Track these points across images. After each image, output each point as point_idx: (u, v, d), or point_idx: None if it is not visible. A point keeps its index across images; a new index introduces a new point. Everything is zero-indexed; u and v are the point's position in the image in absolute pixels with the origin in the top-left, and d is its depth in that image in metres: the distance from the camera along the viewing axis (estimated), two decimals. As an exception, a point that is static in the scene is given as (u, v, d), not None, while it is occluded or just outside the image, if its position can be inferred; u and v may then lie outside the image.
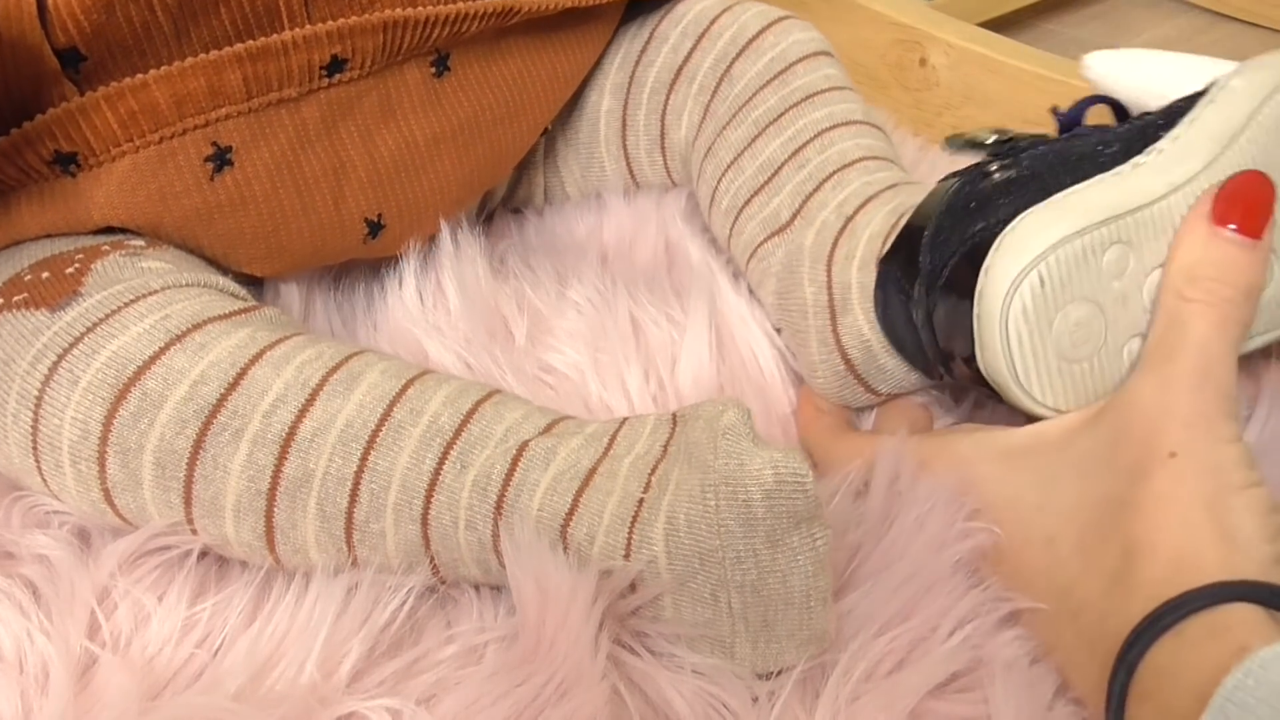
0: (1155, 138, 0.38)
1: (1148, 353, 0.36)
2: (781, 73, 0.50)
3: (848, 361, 0.44)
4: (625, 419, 0.38)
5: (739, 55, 0.52)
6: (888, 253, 0.42)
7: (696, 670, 0.34)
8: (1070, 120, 0.43)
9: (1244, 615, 0.30)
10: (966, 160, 0.43)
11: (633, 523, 0.34)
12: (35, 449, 0.36)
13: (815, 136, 0.48)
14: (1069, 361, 0.37)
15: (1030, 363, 0.36)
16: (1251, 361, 0.43)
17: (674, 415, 0.38)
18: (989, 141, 0.42)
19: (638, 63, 0.55)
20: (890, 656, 0.35)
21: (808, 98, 0.49)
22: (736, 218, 0.49)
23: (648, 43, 0.55)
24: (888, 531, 0.38)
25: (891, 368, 0.44)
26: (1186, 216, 0.37)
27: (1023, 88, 0.68)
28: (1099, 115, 0.48)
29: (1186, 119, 0.38)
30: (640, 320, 0.48)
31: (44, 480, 0.37)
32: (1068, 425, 0.36)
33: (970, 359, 0.38)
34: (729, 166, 0.50)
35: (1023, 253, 0.36)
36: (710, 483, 0.33)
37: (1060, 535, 0.34)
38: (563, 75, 0.52)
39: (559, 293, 0.50)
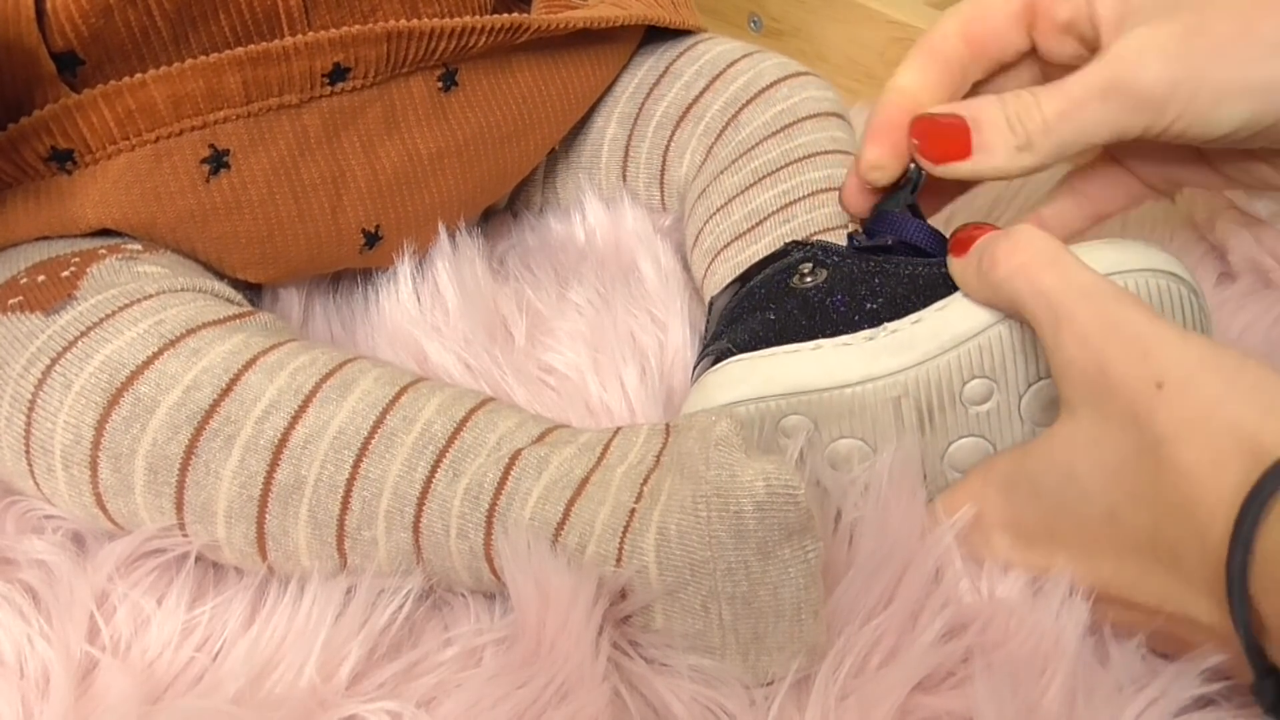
0: (909, 307, 0.39)
1: (1045, 342, 0.35)
2: (788, 126, 0.50)
3: None
4: (619, 428, 0.38)
5: (749, 102, 0.51)
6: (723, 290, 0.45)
7: (694, 674, 0.34)
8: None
9: None
10: None
11: (624, 533, 0.34)
12: (28, 453, 0.36)
13: (809, 195, 0.47)
14: None
15: None
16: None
17: (667, 425, 0.38)
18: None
19: (648, 95, 0.54)
20: (878, 647, 0.35)
21: (809, 156, 0.49)
22: (713, 260, 0.48)
23: (661, 76, 0.54)
24: (852, 525, 0.38)
25: None
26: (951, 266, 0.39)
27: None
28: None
29: (936, 305, 0.39)
30: (639, 322, 0.48)
31: (37, 484, 0.37)
32: (1055, 434, 0.36)
33: None
34: (718, 210, 0.49)
35: (705, 399, 0.41)
36: (702, 494, 0.33)
37: (1117, 506, 0.33)
38: (574, 96, 0.52)
39: (559, 294, 0.50)
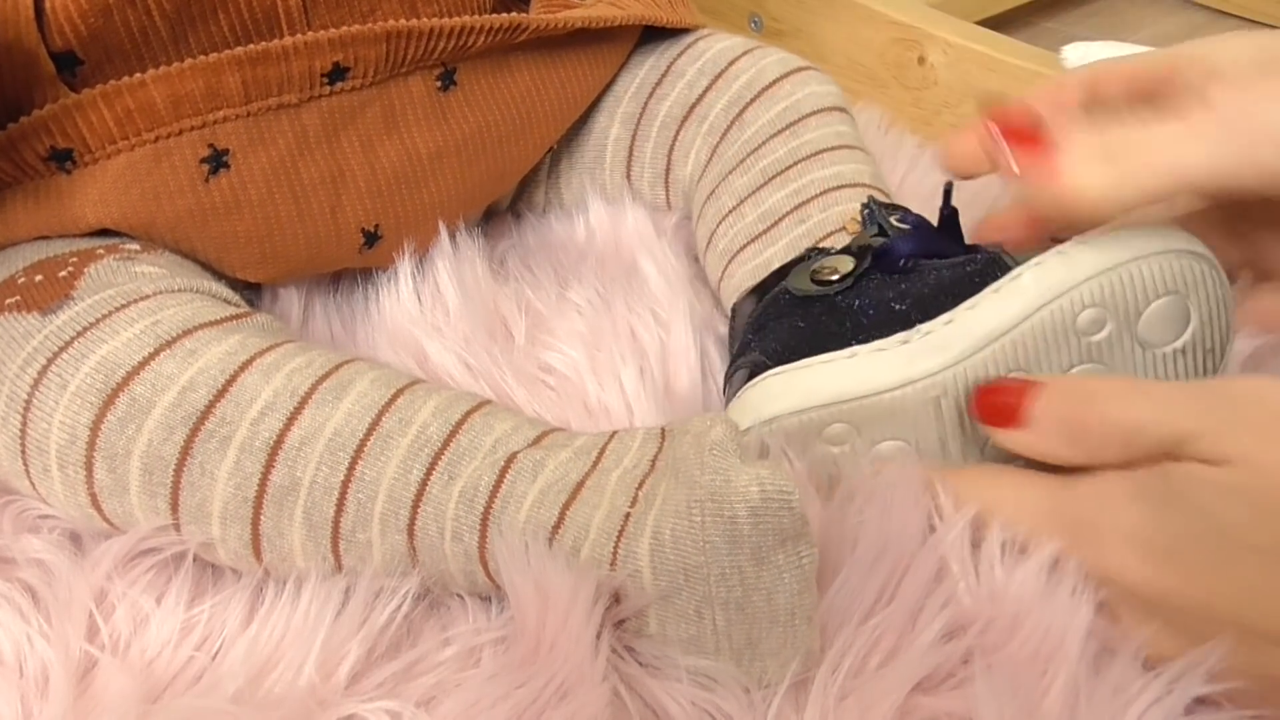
0: (938, 308, 0.39)
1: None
2: (794, 124, 0.50)
3: None
4: (614, 432, 0.38)
5: (753, 101, 0.51)
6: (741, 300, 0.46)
7: (690, 676, 0.34)
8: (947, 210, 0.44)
9: None
10: None
11: (619, 537, 0.34)
12: (24, 453, 0.36)
13: (820, 194, 0.47)
14: None
15: None
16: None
17: (663, 429, 0.38)
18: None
19: (651, 95, 0.54)
20: (877, 647, 0.35)
21: (817, 153, 0.49)
22: (729, 262, 0.48)
23: (664, 75, 0.54)
24: (847, 519, 0.38)
25: None
26: None
27: (1021, 85, 0.68)
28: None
29: (966, 304, 0.39)
30: (642, 321, 0.48)
31: (32, 484, 0.37)
32: None
33: None
34: (730, 211, 0.49)
35: (749, 415, 0.41)
36: (696, 499, 0.33)
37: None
38: (572, 96, 0.52)
39: (559, 293, 0.50)
